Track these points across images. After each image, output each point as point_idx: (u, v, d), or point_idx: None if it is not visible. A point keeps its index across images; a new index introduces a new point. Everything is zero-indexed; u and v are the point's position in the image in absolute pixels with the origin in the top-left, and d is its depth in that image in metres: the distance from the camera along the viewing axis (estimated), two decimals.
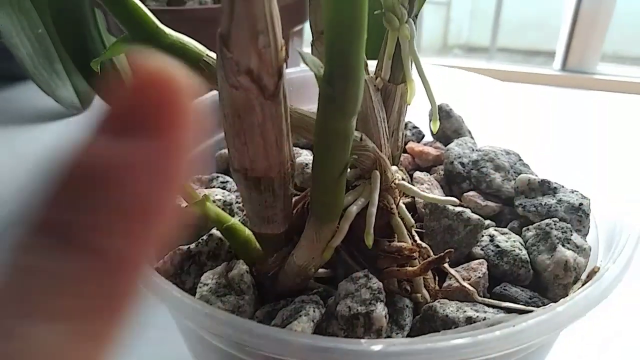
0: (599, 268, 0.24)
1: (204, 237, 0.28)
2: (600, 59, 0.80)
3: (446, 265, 0.26)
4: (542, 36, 1.08)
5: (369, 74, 0.29)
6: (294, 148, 0.31)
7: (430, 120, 0.40)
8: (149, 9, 0.25)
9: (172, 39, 0.25)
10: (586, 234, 0.30)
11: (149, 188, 0.10)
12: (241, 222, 0.27)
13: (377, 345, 0.19)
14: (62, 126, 0.69)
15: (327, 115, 0.20)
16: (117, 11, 0.24)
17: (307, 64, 0.21)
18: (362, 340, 0.19)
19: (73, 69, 0.60)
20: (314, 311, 0.23)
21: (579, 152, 0.34)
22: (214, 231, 0.28)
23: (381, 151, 0.26)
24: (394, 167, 0.28)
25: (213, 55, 0.26)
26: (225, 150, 0.39)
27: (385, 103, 0.28)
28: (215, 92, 0.40)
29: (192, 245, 0.28)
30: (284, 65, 0.20)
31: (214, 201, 0.29)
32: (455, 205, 0.28)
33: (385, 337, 0.23)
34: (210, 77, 0.25)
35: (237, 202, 0.32)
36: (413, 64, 0.28)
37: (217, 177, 0.36)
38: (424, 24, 0.96)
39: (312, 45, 0.28)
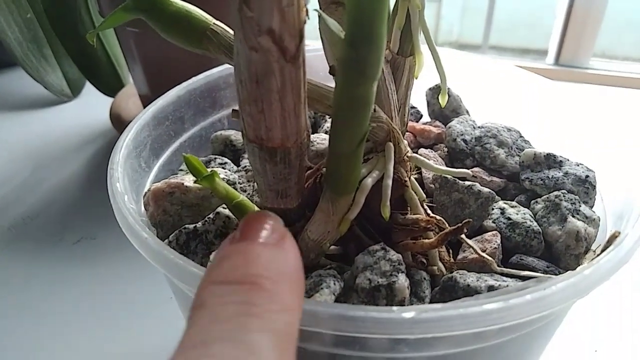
0: (619, 233, 0.24)
1: (210, 216, 0.27)
2: (591, 57, 0.80)
3: (463, 236, 0.25)
4: (534, 34, 1.08)
5: None
6: None
7: (427, 101, 0.40)
8: None
9: (177, 7, 0.24)
10: (592, 206, 0.30)
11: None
12: None
13: (409, 313, 0.18)
14: (52, 113, 0.66)
15: (349, 79, 0.19)
16: None
17: (328, 26, 0.21)
18: (394, 308, 0.18)
19: (63, 54, 0.57)
20: (334, 284, 0.22)
21: (573, 138, 0.34)
22: (221, 209, 0.28)
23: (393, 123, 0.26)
24: (405, 141, 0.27)
25: (220, 24, 0.25)
26: (221, 132, 0.38)
27: (394, 76, 0.28)
28: (208, 73, 0.40)
29: (199, 224, 0.27)
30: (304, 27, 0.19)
31: None
32: (466, 179, 0.28)
33: None
34: (218, 47, 0.24)
35: (239, 183, 0.32)
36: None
37: (215, 158, 0.35)
38: None
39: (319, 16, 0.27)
